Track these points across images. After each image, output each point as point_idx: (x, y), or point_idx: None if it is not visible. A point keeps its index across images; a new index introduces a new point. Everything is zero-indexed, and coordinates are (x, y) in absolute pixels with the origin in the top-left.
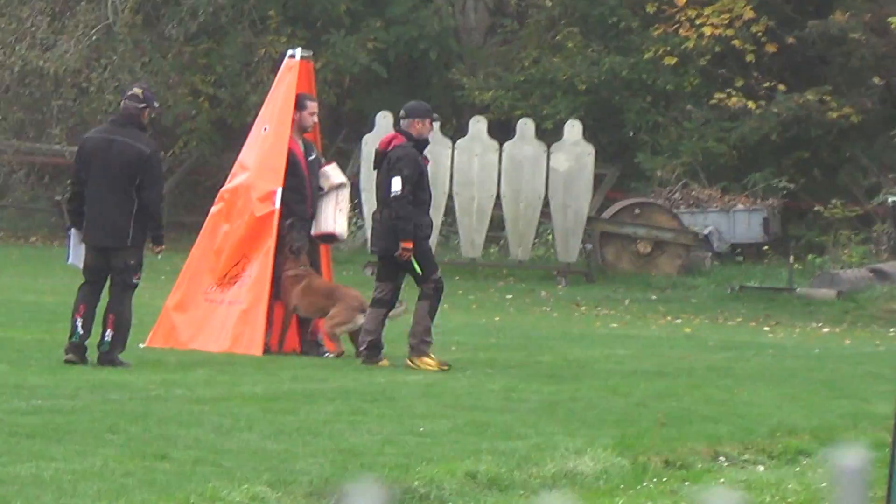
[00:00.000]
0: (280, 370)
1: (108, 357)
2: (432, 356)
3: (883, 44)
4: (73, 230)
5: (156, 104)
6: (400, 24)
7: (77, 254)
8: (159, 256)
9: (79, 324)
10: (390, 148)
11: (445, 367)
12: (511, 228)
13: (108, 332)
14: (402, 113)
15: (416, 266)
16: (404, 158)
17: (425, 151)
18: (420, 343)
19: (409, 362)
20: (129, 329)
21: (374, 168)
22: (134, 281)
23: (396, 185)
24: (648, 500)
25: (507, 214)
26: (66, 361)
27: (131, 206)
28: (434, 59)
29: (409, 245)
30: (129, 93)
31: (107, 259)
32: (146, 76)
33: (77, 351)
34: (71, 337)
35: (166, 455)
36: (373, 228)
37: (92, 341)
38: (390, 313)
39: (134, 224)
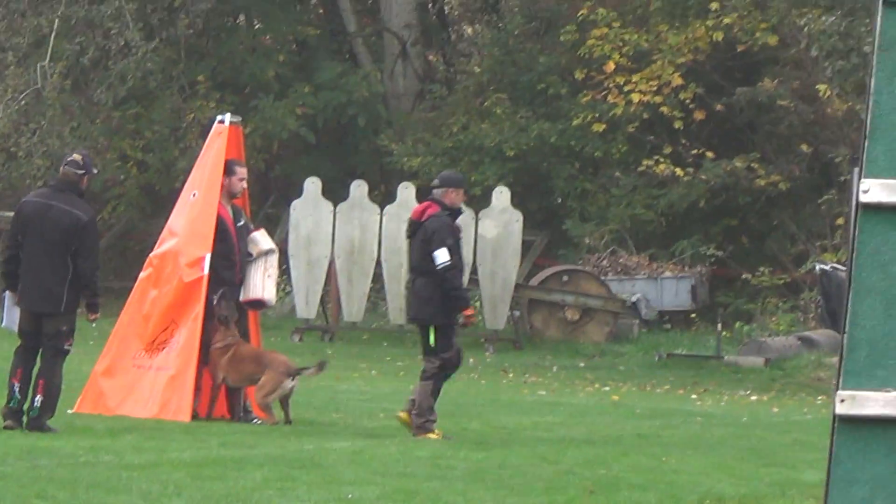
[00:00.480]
0: (208, 436)
1: (37, 423)
2: (435, 431)
3: (811, 111)
4: (7, 293)
5: (94, 170)
6: (328, 89)
7: (12, 317)
8: (93, 324)
9: (16, 388)
10: (425, 218)
11: (448, 438)
12: None
13: (38, 398)
14: (435, 182)
15: (431, 338)
16: (442, 229)
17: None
18: (425, 423)
19: (415, 436)
20: (59, 395)
21: (408, 237)
22: (66, 347)
23: (444, 255)
24: None
25: None
26: (5, 428)
27: (66, 273)
28: (362, 124)
29: (471, 312)
30: (69, 159)
31: (40, 323)
32: (74, 141)
33: (15, 416)
34: (9, 402)
35: None
36: (408, 298)
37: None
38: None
39: (68, 290)
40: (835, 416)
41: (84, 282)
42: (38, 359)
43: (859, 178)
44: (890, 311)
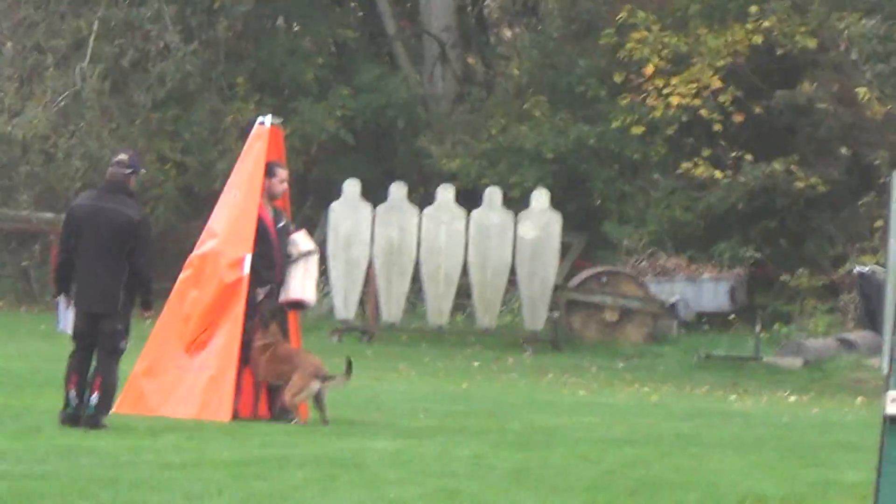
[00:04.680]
0: (249, 436)
1: (94, 420)
2: None
3: (850, 114)
4: (61, 297)
5: (142, 170)
6: (368, 91)
7: (66, 320)
8: (148, 322)
9: (72, 395)
10: None
11: None
12: (478, 296)
13: (95, 396)
14: None
15: None
16: None
17: None
18: None
19: None
20: (115, 393)
21: None
22: (122, 346)
23: None
24: None
25: (475, 282)
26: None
27: (122, 272)
28: (402, 126)
29: None
30: (116, 159)
31: (96, 324)
32: (113, 143)
33: (73, 421)
34: (66, 407)
35: None
36: None
37: None
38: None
39: (124, 290)
40: (885, 416)
41: (139, 280)
42: (94, 360)
43: None
44: None
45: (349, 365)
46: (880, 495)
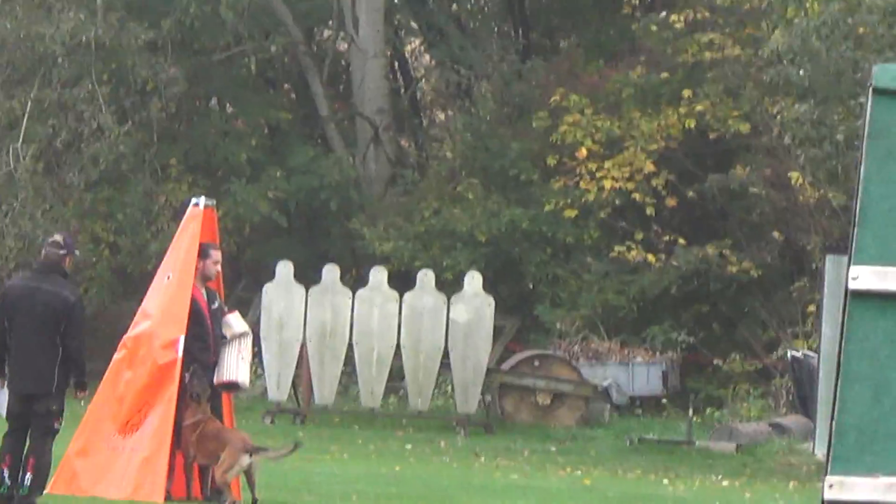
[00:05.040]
0: None
1: (28, 500)
2: None
3: (782, 198)
4: None
5: (76, 251)
6: (300, 173)
7: (1, 402)
8: (82, 402)
9: (6, 475)
10: None
11: None
12: (411, 379)
13: (28, 476)
14: None
15: None
16: None
17: None
18: None
19: None
20: (49, 473)
21: None
22: (55, 426)
23: None
24: None
25: (407, 365)
26: None
27: (56, 353)
28: (334, 209)
29: None
30: (51, 240)
31: (30, 404)
32: (47, 223)
33: (6, 502)
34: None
35: None
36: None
37: None
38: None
39: (58, 370)
40: (823, 501)
41: (73, 360)
42: (28, 440)
43: (848, 266)
44: (878, 398)
45: (295, 446)
46: None
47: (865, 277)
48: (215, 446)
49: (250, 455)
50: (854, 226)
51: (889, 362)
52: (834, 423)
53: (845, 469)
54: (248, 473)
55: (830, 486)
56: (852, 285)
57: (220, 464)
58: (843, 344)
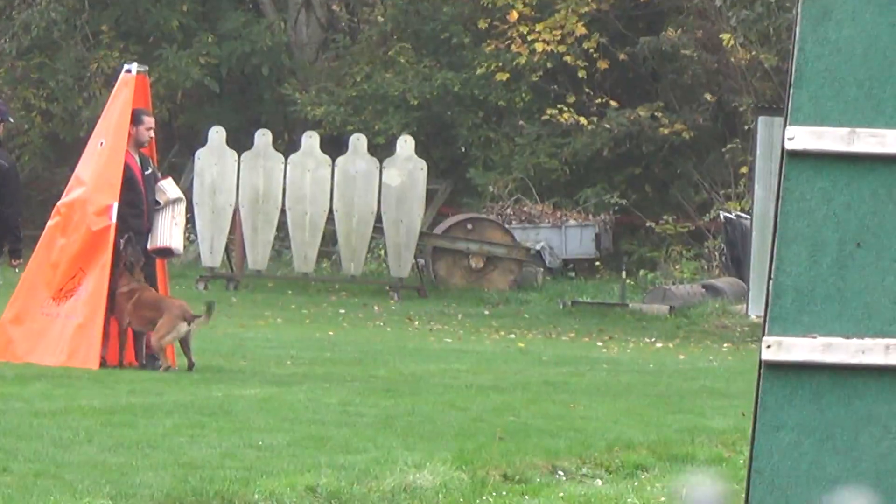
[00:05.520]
0: (117, 383)
1: None
2: None
3: (714, 60)
4: None
5: (10, 118)
6: (232, 39)
7: None
8: (17, 270)
9: None
10: None
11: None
12: (344, 243)
13: None
14: None
15: None
16: None
17: None
18: None
19: None
20: None
21: None
22: None
23: None
24: None
25: (340, 229)
26: None
27: None
28: (266, 74)
29: None
30: None
31: None
32: None
33: None
34: None
35: (7, 468)
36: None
37: None
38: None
39: None
40: (761, 361)
41: (8, 227)
42: None
43: (784, 126)
44: (815, 258)
45: (209, 306)
46: (756, 443)
47: (802, 138)
48: (152, 314)
49: (188, 323)
50: (789, 86)
51: (826, 222)
52: (771, 283)
53: (783, 329)
54: (184, 340)
55: (768, 346)
56: (789, 146)
57: (157, 329)
58: (779, 204)
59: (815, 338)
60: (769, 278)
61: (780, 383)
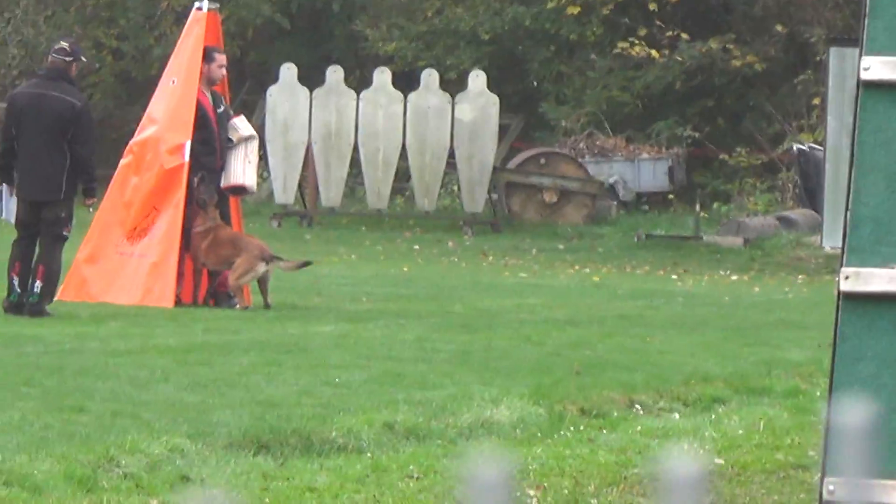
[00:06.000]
0: (193, 322)
1: (37, 308)
2: None
3: None
4: (4, 186)
5: (83, 58)
6: None
7: (9, 209)
8: (91, 209)
9: (15, 282)
10: None
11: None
12: (417, 179)
13: (38, 284)
14: None
15: None
16: None
17: None
18: None
19: None
20: (58, 280)
21: None
22: (65, 233)
23: None
24: (566, 449)
25: (413, 165)
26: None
27: (64, 160)
28: (337, 10)
29: None
30: (57, 47)
31: (38, 212)
32: (49, 30)
33: (15, 309)
34: (9, 295)
35: (84, 408)
36: None
37: None
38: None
39: (67, 177)
40: (839, 292)
41: (82, 167)
42: (37, 247)
43: (860, 57)
44: (893, 188)
45: (306, 263)
46: (836, 374)
47: (877, 68)
48: (229, 252)
49: (266, 263)
50: (864, 17)
51: None
52: (849, 214)
53: (861, 261)
54: (262, 280)
55: (846, 277)
56: (864, 76)
57: (234, 269)
58: (855, 135)
59: (893, 268)
60: (846, 209)
61: (858, 314)
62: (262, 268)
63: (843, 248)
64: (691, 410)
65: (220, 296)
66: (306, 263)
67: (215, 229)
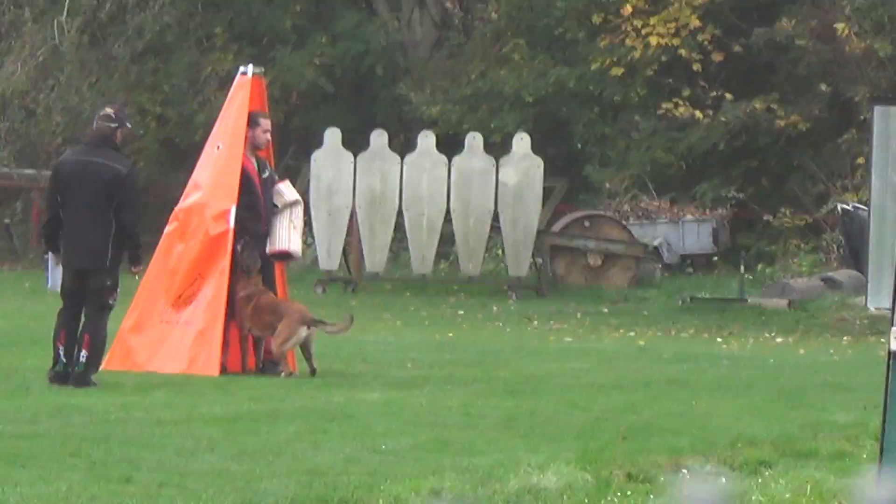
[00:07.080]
0: (238, 390)
1: (83, 378)
2: None
3: (829, 50)
4: (50, 255)
5: (128, 124)
6: (346, 39)
7: (56, 278)
8: (136, 277)
9: (61, 352)
10: None
11: None
12: (461, 243)
13: (84, 353)
14: None
15: None
16: None
17: None
18: None
19: None
20: (104, 350)
21: None
22: (110, 302)
23: None
24: None
25: (457, 229)
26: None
27: (109, 227)
28: (381, 73)
29: None
30: (102, 113)
31: (84, 280)
32: (93, 96)
33: (61, 380)
34: (54, 365)
35: (131, 478)
36: None
37: None
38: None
39: (112, 245)
40: (890, 353)
41: (127, 234)
42: (83, 317)
43: None
44: None
45: (351, 319)
46: (886, 435)
47: None
48: (272, 318)
49: (308, 327)
50: None
51: None
52: None
53: None
54: (305, 345)
55: None
56: None
57: (277, 335)
58: None
59: None
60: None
61: None
62: (303, 332)
63: (892, 308)
64: (738, 474)
65: (266, 364)
66: (351, 320)
67: (258, 294)
